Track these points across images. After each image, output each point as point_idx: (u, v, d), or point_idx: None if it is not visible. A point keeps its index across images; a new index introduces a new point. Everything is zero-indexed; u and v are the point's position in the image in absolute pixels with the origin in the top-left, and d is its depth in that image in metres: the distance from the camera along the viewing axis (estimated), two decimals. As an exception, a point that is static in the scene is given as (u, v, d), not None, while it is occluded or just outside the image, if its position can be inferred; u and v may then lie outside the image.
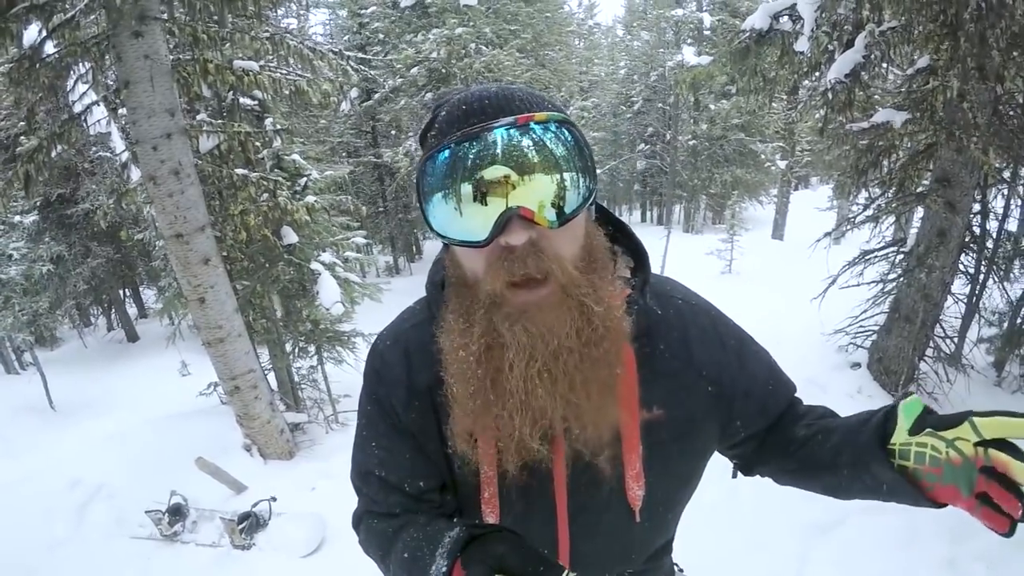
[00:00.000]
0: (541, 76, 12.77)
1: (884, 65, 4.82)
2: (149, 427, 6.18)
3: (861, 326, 6.02)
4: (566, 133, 0.77)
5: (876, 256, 5.88)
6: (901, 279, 5.38)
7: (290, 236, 6.07)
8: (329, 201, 6.48)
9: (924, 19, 3.98)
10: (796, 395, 1.11)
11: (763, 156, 20.23)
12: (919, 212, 5.59)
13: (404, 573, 0.88)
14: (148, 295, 16.47)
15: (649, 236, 19.30)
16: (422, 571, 0.81)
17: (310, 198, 6.04)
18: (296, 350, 6.73)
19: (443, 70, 10.92)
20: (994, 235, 5.41)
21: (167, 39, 4.42)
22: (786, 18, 4.88)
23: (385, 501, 1.01)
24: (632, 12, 25.33)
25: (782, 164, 19.61)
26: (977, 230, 5.31)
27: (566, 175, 0.76)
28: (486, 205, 0.75)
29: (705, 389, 0.97)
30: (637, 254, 0.96)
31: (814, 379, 5.53)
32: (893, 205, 5.63)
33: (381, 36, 14.03)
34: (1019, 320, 5.61)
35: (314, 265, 6.32)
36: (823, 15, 4.42)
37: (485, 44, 11.27)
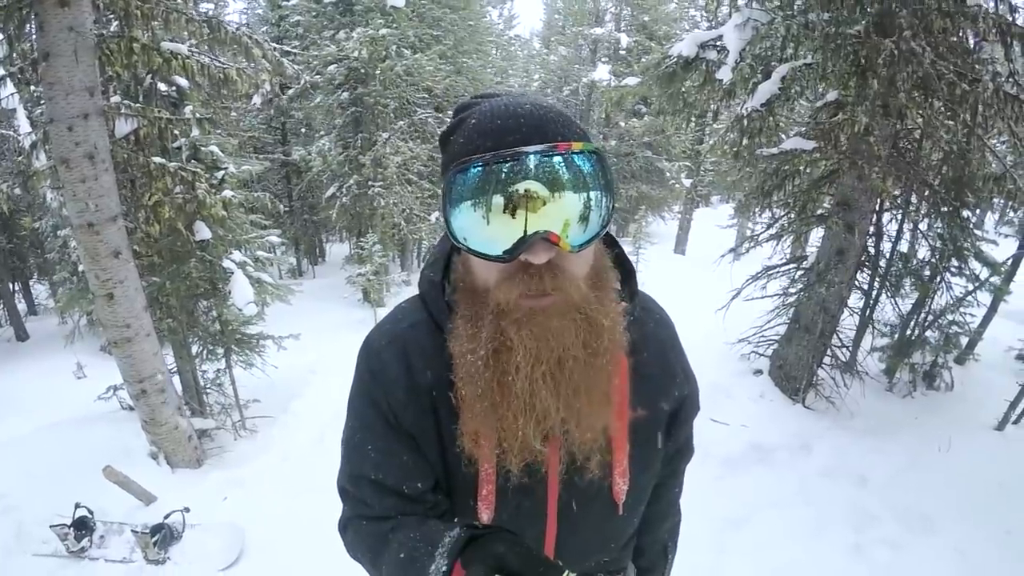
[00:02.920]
0: (459, 83, 13.09)
1: (795, 98, 5.52)
2: (47, 434, 5.85)
3: (763, 336, 6.57)
4: (596, 163, 0.84)
5: (778, 271, 6.49)
6: (802, 293, 5.93)
7: (203, 231, 5.95)
8: (246, 196, 6.42)
9: (838, 59, 4.64)
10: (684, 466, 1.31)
11: (668, 174, 21.38)
12: (818, 232, 6.20)
13: (401, 573, 0.91)
14: (39, 290, 15.48)
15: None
16: (420, 571, 0.85)
17: (227, 192, 5.97)
18: (204, 352, 6.57)
19: (363, 70, 10.97)
20: (887, 255, 6.23)
21: (93, 12, 4.28)
22: (712, 48, 5.47)
23: (379, 504, 1.04)
24: (551, 27, 26.07)
25: (687, 182, 20.84)
26: (872, 250, 6.06)
27: (591, 203, 0.83)
28: (514, 220, 0.80)
29: (673, 394, 1.12)
30: (624, 269, 1.06)
31: (718, 384, 5.99)
32: (796, 225, 6.37)
33: (300, 30, 13.92)
34: (908, 332, 6.48)
35: (226, 263, 6.22)
36: (748, 48, 5.03)
37: (407, 47, 11.45)
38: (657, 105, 6.58)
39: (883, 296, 6.33)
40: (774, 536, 4.08)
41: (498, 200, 0.80)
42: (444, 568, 0.81)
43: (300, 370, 7.86)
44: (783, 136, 6.26)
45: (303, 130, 14.41)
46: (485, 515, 1.02)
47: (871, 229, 5.87)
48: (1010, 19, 4.16)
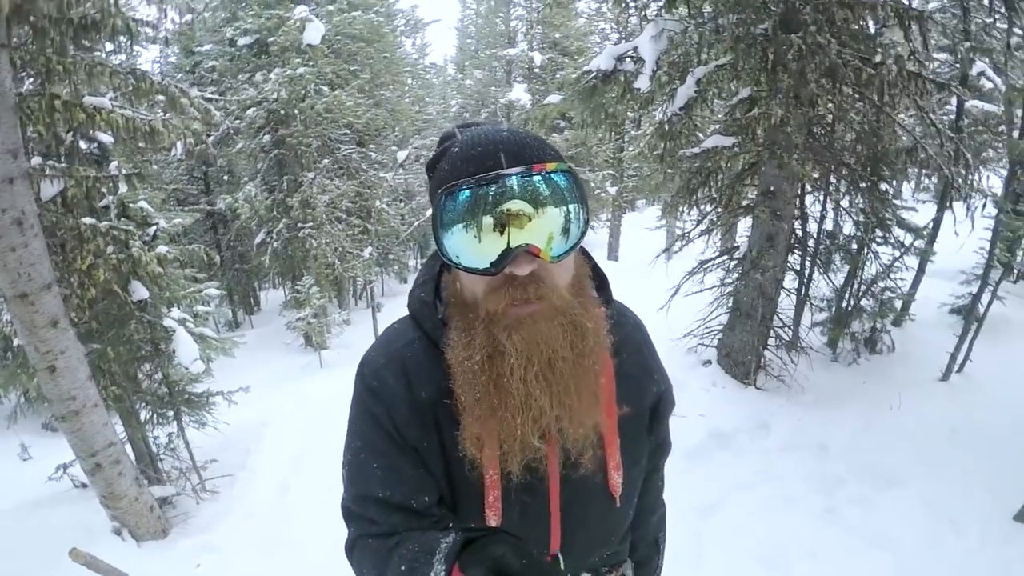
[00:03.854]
0: (378, 116, 13.24)
1: (711, 99, 5.91)
2: (1, 522, 5.59)
3: (707, 327, 6.84)
4: (569, 180, 0.93)
5: (713, 264, 6.80)
6: (739, 281, 6.23)
7: (140, 291, 5.83)
8: (180, 251, 6.33)
9: (749, 58, 5.01)
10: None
11: (593, 184, 22.29)
12: (746, 222, 6.51)
13: None
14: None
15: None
16: None
17: (162, 248, 5.89)
18: (154, 417, 6.39)
19: (283, 111, 10.96)
20: (815, 235, 6.69)
21: (11, 70, 4.17)
22: (628, 60, 5.81)
23: (386, 521, 1.07)
24: (464, 52, 26.68)
25: (612, 190, 21.40)
26: (800, 232, 6.48)
27: (567, 217, 0.92)
28: (500, 237, 0.89)
29: (651, 391, 1.23)
30: (599, 277, 1.15)
31: (671, 378, 6.36)
32: (724, 218, 6.74)
33: (216, 76, 13.78)
34: (844, 303, 6.95)
35: (167, 322, 6.11)
36: (663, 56, 5.38)
37: (326, 84, 11.52)
38: (579, 119, 6.87)
39: (816, 274, 6.74)
40: (747, 515, 4.28)
41: (487, 220, 0.88)
42: (442, 573, 0.83)
43: (253, 424, 7.73)
44: (702, 136, 6.66)
45: (226, 178, 14.20)
46: (493, 521, 1.06)
47: (796, 213, 6.24)
48: (906, 3, 4.62)
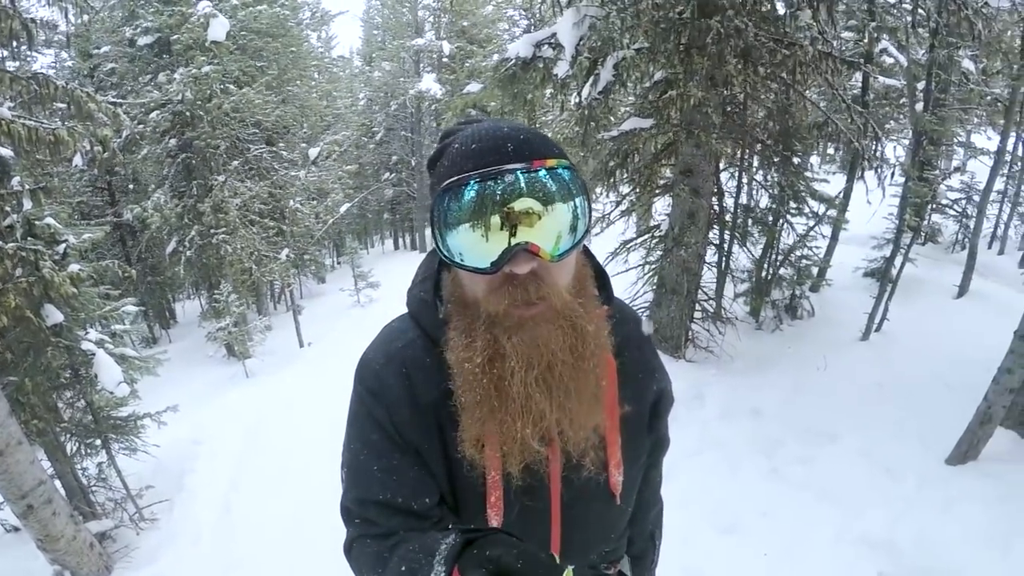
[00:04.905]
0: (287, 113, 12.98)
1: (633, 83, 6.18)
2: None
3: (633, 305, 7.02)
4: (570, 177, 0.91)
5: (635, 244, 7.10)
6: (663, 259, 6.47)
7: (54, 315, 5.60)
8: (93, 267, 6.10)
9: (666, 42, 5.29)
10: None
11: None
12: (665, 201, 6.82)
13: None
14: None
15: (409, 262, 20.29)
16: None
17: (74, 267, 5.68)
18: (81, 448, 6.17)
19: (188, 113, 10.60)
20: (731, 210, 7.13)
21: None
22: (547, 46, 6.01)
23: (386, 524, 1.07)
24: (370, 44, 26.37)
25: None
26: (718, 208, 6.90)
27: (567, 215, 0.90)
28: (501, 233, 0.87)
29: (652, 389, 1.24)
30: (601, 276, 1.15)
31: None
32: (644, 197, 7.06)
33: (115, 79, 13.11)
34: (763, 273, 7.44)
35: (86, 345, 5.89)
36: (583, 42, 5.61)
37: (232, 83, 11.19)
38: (500, 106, 7.01)
39: (735, 247, 7.16)
40: (696, 483, 4.49)
41: (494, 220, 0.87)
42: (442, 574, 0.83)
43: (184, 443, 7.55)
44: (613, 119, 6.94)
45: (131, 187, 13.59)
46: (495, 521, 1.07)
47: (714, 189, 6.57)
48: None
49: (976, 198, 9.54)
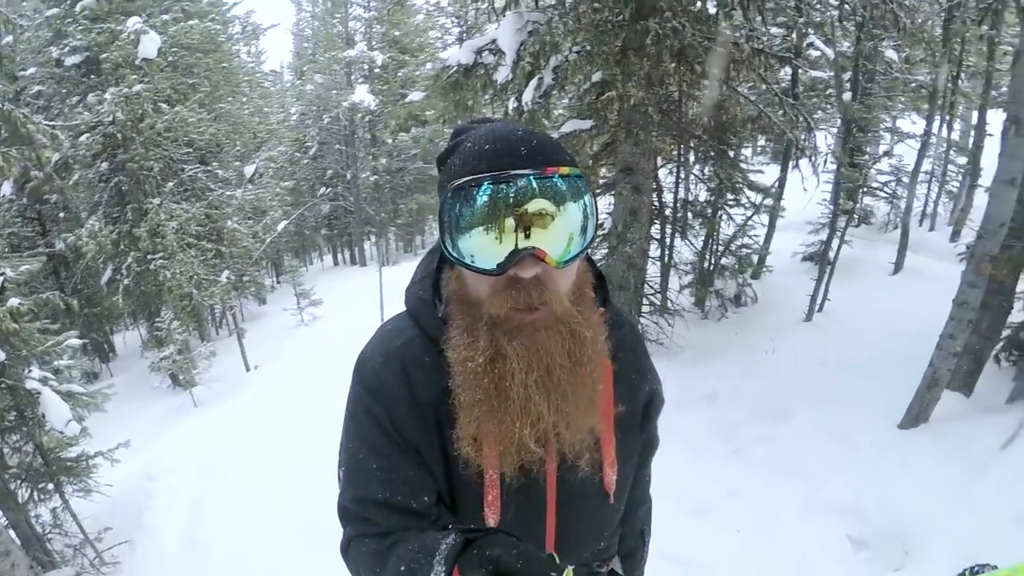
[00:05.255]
0: (221, 130, 12.75)
1: (577, 85, 6.34)
2: None
3: None
4: (579, 185, 0.93)
5: None
6: (608, 257, 6.57)
7: (-6, 354, 5.45)
8: (33, 301, 5.91)
9: (604, 45, 5.44)
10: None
11: None
12: (607, 199, 6.89)
13: None
14: None
15: (350, 277, 20.22)
16: None
17: (13, 301, 5.51)
18: (33, 494, 5.94)
19: (120, 135, 10.29)
20: (671, 205, 7.39)
21: None
22: (488, 52, 6.13)
23: (385, 523, 1.07)
24: (301, 56, 26.09)
25: None
26: (658, 204, 7.10)
27: (575, 224, 0.93)
28: (511, 235, 0.89)
29: (645, 390, 1.26)
30: (599, 280, 1.17)
31: None
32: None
33: (43, 101, 12.53)
34: (706, 264, 7.74)
35: (30, 384, 5.70)
36: (524, 47, 5.75)
37: (164, 101, 10.93)
38: (441, 113, 7.08)
39: (677, 241, 7.43)
40: (663, 472, 4.61)
41: (508, 222, 0.89)
42: (442, 574, 0.83)
43: (138, 479, 7.35)
44: (547, 123, 7.08)
45: (62, 215, 13.07)
46: (491, 520, 1.08)
47: (655, 185, 6.78)
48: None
49: (905, 179, 10.09)
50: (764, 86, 6.50)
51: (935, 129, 10.20)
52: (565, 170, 0.92)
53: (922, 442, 4.41)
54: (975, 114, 10.91)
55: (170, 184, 11.87)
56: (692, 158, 7.27)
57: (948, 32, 8.02)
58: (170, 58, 11.14)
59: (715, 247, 7.76)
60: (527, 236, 0.90)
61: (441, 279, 1.11)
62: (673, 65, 5.29)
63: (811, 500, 4.05)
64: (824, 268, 7.44)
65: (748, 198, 7.63)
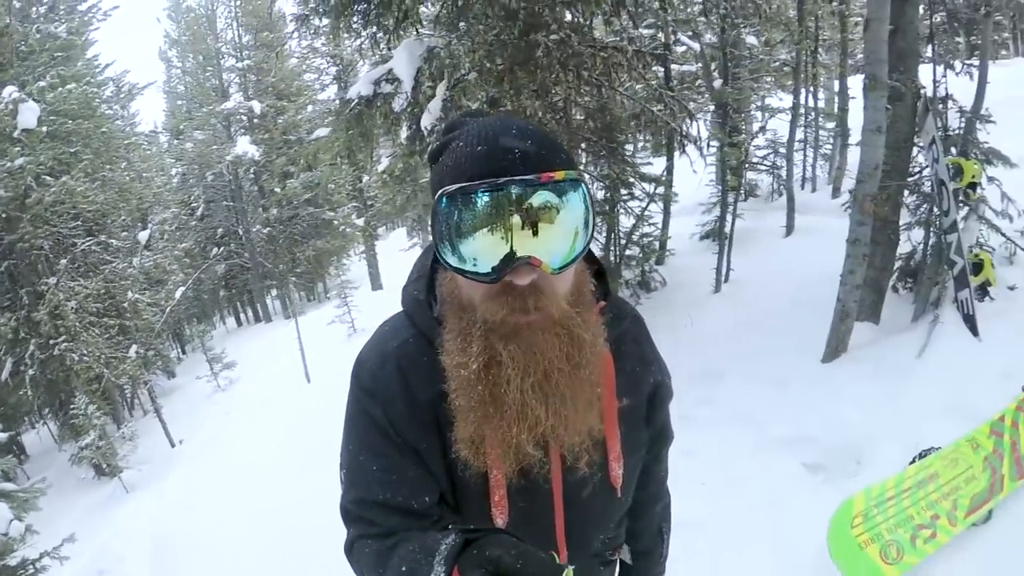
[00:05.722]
0: (108, 199, 12.34)
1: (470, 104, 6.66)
2: None
3: None
4: (577, 190, 0.91)
5: None
6: None
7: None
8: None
9: (495, 61, 5.75)
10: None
11: (336, 222, 22.74)
12: None
13: None
14: None
15: (257, 334, 19.90)
16: None
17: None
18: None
19: (4, 214, 9.75)
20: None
21: None
22: (386, 82, 6.38)
23: (386, 523, 1.08)
24: (175, 115, 25.30)
25: (359, 221, 22.11)
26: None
27: (571, 229, 0.91)
28: (502, 245, 0.89)
29: (649, 381, 1.26)
30: (600, 275, 1.17)
31: None
32: None
33: None
34: (611, 257, 8.13)
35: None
36: (421, 73, 6.03)
37: (47, 173, 10.46)
38: (349, 144, 7.26)
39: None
40: None
41: (485, 232, 0.89)
42: (442, 574, 0.83)
43: (89, 574, 7.14)
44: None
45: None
46: (500, 520, 1.09)
47: None
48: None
49: (782, 151, 11.02)
50: (642, 84, 7.10)
51: (803, 100, 11.26)
52: (560, 175, 0.90)
53: (847, 369, 4.95)
54: (836, 82, 12.13)
55: (63, 261, 11.40)
56: (585, 159, 7.75)
57: (802, 12, 8.98)
58: (48, 127, 10.65)
59: (618, 240, 8.26)
60: (522, 243, 0.89)
61: (436, 278, 1.12)
62: (560, 74, 5.70)
63: (761, 442, 4.46)
64: (723, 242, 8.07)
65: (642, 189, 8.20)
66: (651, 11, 7.84)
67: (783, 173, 10.96)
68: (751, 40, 9.91)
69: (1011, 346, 4.42)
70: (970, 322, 4.69)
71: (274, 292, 24.82)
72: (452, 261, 0.93)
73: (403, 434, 1.07)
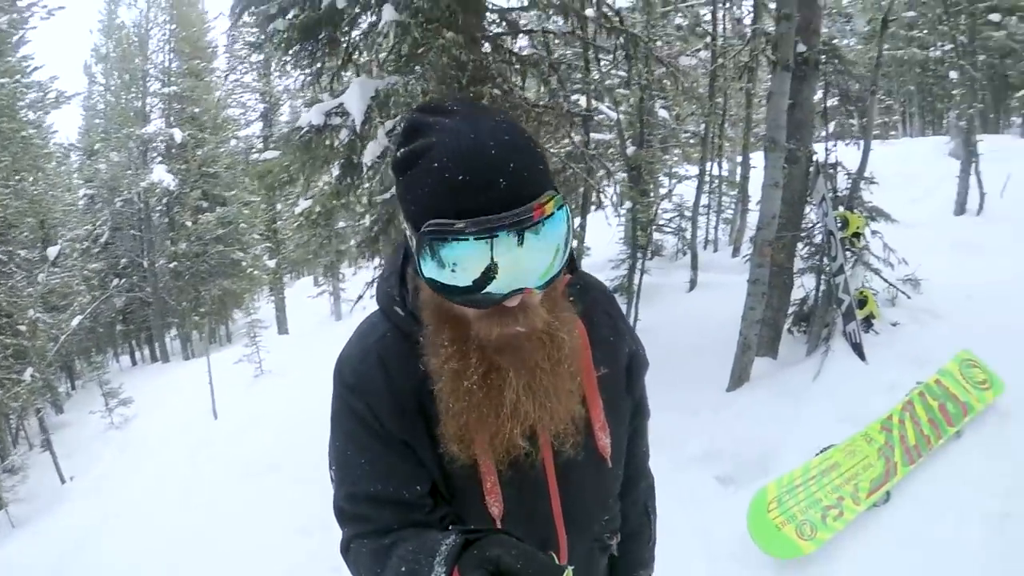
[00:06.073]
0: (20, 208, 11.82)
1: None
2: None
3: None
4: (563, 214, 0.93)
5: None
6: None
7: None
8: None
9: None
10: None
11: (245, 263, 22.38)
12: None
13: None
14: None
15: (156, 374, 19.19)
16: None
17: None
18: None
19: None
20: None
21: None
22: (336, 115, 6.75)
23: (379, 517, 1.08)
24: (91, 134, 24.31)
25: (271, 263, 22.06)
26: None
27: (554, 248, 0.93)
28: (490, 279, 0.90)
29: (624, 351, 1.30)
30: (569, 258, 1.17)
31: None
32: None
33: None
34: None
35: None
36: (371, 110, 6.46)
37: None
38: (300, 167, 7.54)
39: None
40: None
41: (478, 267, 0.88)
42: (442, 575, 0.84)
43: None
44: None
45: None
46: (495, 508, 1.11)
47: None
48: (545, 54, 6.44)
49: (688, 214, 12.07)
50: (566, 140, 7.84)
51: (708, 169, 12.45)
52: (551, 206, 0.90)
53: (750, 394, 5.61)
54: (739, 156, 13.50)
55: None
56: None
57: (713, 88, 10.16)
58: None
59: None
60: (509, 270, 0.90)
61: (406, 274, 1.14)
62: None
63: (677, 461, 4.89)
64: (631, 294, 8.76)
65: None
66: (577, 78, 8.70)
67: (687, 234, 11.90)
68: (663, 113, 11.04)
69: (895, 366, 5.12)
70: (858, 349, 5.45)
71: (174, 331, 23.85)
72: (440, 288, 0.94)
73: (388, 425, 1.08)
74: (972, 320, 5.76)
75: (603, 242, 9.86)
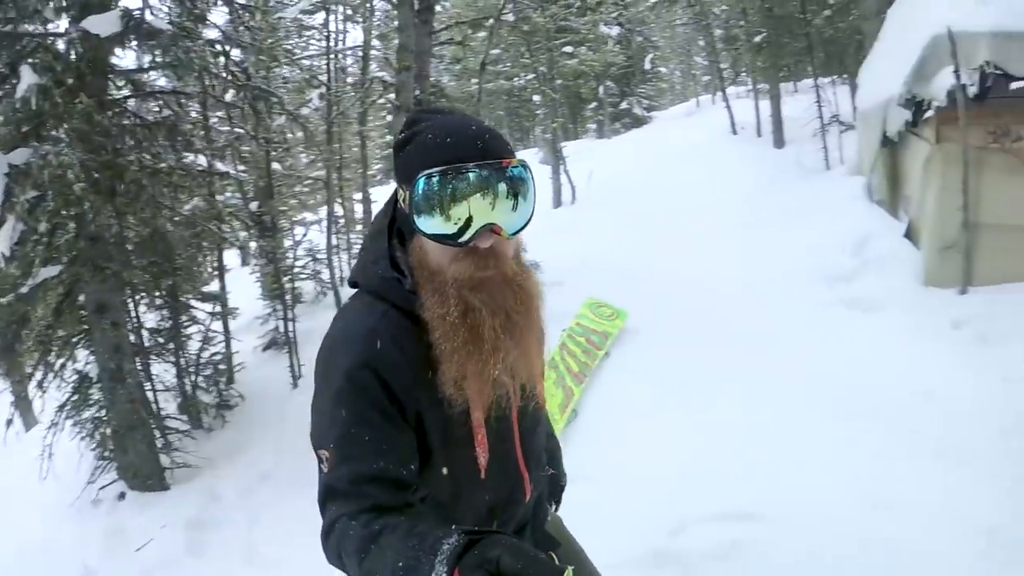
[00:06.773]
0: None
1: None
2: None
3: (97, 464, 6.65)
4: (526, 172, 1.16)
5: (68, 405, 6.65)
6: (110, 404, 6.32)
7: None
8: None
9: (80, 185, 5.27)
10: None
11: None
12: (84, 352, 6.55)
13: None
14: None
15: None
16: None
17: None
18: None
19: None
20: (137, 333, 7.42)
21: None
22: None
23: (376, 495, 1.10)
24: None
25: None
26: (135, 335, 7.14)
27: (523, 202, 1.15)
28: (468, 216, 1.10)
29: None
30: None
31: None
32: (63, 351, 6.54)
33: None
34: (187, 385, 8.04)
35: None
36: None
37: None
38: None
39: (157, 368, 7.75)
40: None
41: (458, 205, 1.10)
42: (444, 575, 0.86)
43: None
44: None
45: None
46: (482, 458, 1.25)
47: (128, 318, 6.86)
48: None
49: (321, 256, 12.04)
50: (196, 199, 7.39)
51: (334, 210, 12.64)
52: (515, 162, 1.14)
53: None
54: (359, 193, 13.88)
55: None
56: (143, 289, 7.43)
57: (331, 135, 10.33)
58: None
59: (187, 366, 8.08)
60: (484, 214, 1.11)
61: (396, 258, 1.25)
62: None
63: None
64: (291, 344, 8.68)
65: (202, 310, 8.23)
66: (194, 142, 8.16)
67: (325, 277, 12.06)
68: (276, 166, 10.90)
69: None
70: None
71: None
72: (430, 231, 1.13)
73: (402, 397, 1.15)
74: (587, 280, 7.25)
75: (247, 299, 9.28)
